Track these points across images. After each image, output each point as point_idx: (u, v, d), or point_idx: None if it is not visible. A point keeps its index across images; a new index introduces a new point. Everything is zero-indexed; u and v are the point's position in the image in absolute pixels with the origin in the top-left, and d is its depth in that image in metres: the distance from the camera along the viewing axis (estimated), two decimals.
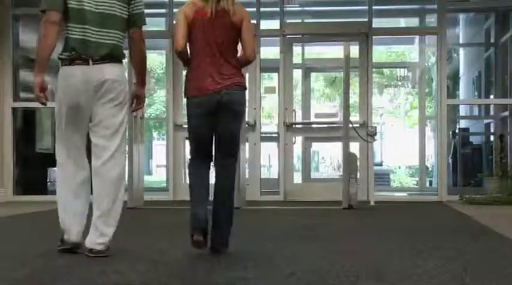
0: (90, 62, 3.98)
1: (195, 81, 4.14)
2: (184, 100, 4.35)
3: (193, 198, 4.16)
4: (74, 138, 4.16)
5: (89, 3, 4.00)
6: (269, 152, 15.11)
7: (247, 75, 9.08)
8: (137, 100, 4.37)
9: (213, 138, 4.20)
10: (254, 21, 9.99)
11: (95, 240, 4.06)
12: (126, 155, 4.72)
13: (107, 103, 4.03)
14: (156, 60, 21.39)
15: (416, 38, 12.46)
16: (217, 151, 4.22)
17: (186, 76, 4.27)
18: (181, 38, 4.12)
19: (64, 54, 4.03)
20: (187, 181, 4.40)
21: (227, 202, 4.21)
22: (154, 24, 11.55)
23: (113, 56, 4.05)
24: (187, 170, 4.73)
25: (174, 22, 4.47)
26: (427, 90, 13.41)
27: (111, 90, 4.02)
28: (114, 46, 4.05)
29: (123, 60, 4.21)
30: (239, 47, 4.25)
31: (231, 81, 4.12)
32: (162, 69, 19.95)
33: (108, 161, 4.10)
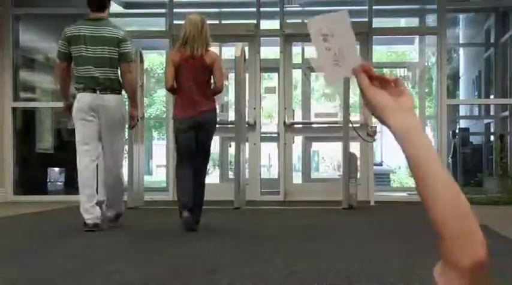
0: (98, 92, 5.53)
1: (184, 108, 5.61)
2: None
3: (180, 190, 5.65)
4: (87, 142, 5.57)
5: (87, 50, 5.53)
6: (269, 152, 15.11)
7: (247, 76, 9.13)
8: (131, 118, 5.94)
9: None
10: (254, 21, 10.05)
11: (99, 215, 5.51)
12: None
13: (106, 121, 5.56)
14: (156, 60, 21.40)
15: (416, 38, 12.45)
16: (196, 154, 5.65)
17: (175, 101, 5.81)
18: (170, 78, 5.62)
19: (77, 85, 5.62)
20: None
21: (201, 194, 5.67)
22: (154, 24, 11.54)
23: (112, 88, 5.59)
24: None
25: (165, 65, 5.93)
26: (427, 90, 13.39)
27: (109, 112, 5.55)
28: (109, 79, 5.57)
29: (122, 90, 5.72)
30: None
31: (207, 108, 5.63)
32: (162, 69, 19.94)
33: (108, 162, 5.70)
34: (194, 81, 5.57)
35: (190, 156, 5.65)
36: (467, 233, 1.01)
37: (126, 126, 5.95)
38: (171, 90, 5.73)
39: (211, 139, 5.84)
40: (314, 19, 1.17)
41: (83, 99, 5.54)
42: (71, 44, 5.55)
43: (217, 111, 5.99)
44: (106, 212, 5.69)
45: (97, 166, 5.74)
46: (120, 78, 5.67)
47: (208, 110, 5.64)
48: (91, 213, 5.42)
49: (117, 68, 5.61)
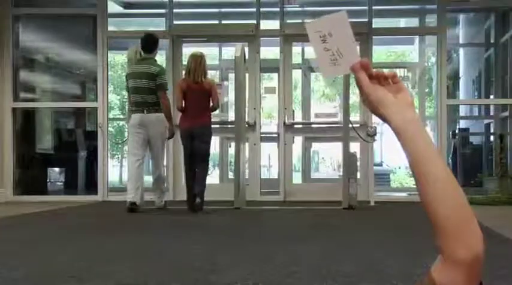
0: (145, 112, 7.57)
1: (184, 120, 7.59)
2: None
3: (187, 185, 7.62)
4: (135, 147, 7.70)
5: (136, 82, 7.61)
6: (269, 152, 15.10)
7: (247, 75, 9.13)
8: (168, 130, 7.80)
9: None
10: (254, 21, 10.05)
11: (156, 200, 7.88)
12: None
13: (151, 133, 7.60)
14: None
15: (416, 38, 12.44)
16: (196, 158, 7.54)
17: (180, 116, 7.71)
18: (180, 101, 7.57)
19: (131, 108, 7.78)
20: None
21: (203, 187, 7.47)
22: (154, 24, 11.54)
23: (155, 108, 7.55)
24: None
25: (174, 90, 8.08)
26: (427, 90, 13.38)
27: (153, 127, 7.58)
28: (151, 103, 7.55)
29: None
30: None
31: (202, 121, 7.47)
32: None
33: (154, 158, 7.80)
34: (196, 101, 7.46)
35: (191, 154, 7.54)
36: (466, 229, 1.02)
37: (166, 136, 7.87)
38: (180, 109, 7.63)
39: (207, 146, 7.63)
40: (312, 22, 1.17)
41: (134, 118, 7.65)
42: (128, 78, 7.76)
43: (211, 124, 7.74)
44: (158, 202, 7.82)
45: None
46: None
47: (202, 123, 7.48)
48: (131, 196, 7.44)
49: (156, 94, 7.53)
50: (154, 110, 7.57)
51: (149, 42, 7.85)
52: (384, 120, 1.12)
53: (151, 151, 7.75)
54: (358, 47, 1.18)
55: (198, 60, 7.50)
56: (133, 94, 7.68)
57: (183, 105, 7.55)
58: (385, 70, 1.19)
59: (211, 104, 7.57)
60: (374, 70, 1.15)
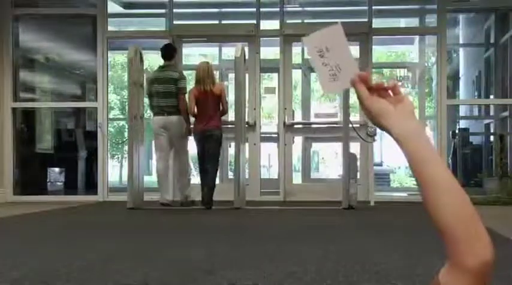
0: (166, 114, 8.26)
1: (198, 125, 8.26)
2: None
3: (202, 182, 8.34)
4: (161, 149, 8.47)
5: (158, 87, 8.28)
6: (269, 152, 15.10)
7: (247, 75, 9.14)
8: (186, 130, 8.41)
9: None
10: (254, 21, 10.05)
11: (175, 197, 8.35)
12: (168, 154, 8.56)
13: (173, 134, 8.29)
14: (156, 60, 21.36)
15: (416, 38, 12.43)
16: (207, 158, 8.23)
17: (194, 121, 8.34)
18: (193, 107, 8.20)
19: (153, 111, 8.46)
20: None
21: (212, 183, 8.22)
22: (154, 24, 11.56)
23: (175, 111, 8.26)
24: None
25: (187, 96, 8.34)
26: (427, 90, 13.37)
27: (174, 128, 8.28)
28: (172, 106, 8.26)
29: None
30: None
31: (213, 125, 8.18)
32: None
33: (176, 158, 8.41)
34: (207, 107, 8.12)
35: (204, 157, 8.25)
36: (473, 236, 1.00)
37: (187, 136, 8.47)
38: (194, 115, 8.26)
39: (218, 147, 8.32)
40: (309, 36, 1.17)
41: (156, 121, 8.34)
42: (150, 83, 8.40)
43: (221, 127, 8.35)
44: (181, 196, 8.34)
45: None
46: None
47: (214, 127, 8.17)
48: (164, 196, 8.25)
49: (176, 98, 8.23)
50: (175, 113, 8.26)
51: (169, 51, 8.63)
52: (385, 130, 1.11)
53: (175, 147, 8.36)
54: (356, 61, 1.16)
55: (205, 70, 8.20)
56: (156, 98, 8.32)
57: (196, 110, 8.20)
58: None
59: (221, 108, 8.23)
60: (374, 81, 1.14)
